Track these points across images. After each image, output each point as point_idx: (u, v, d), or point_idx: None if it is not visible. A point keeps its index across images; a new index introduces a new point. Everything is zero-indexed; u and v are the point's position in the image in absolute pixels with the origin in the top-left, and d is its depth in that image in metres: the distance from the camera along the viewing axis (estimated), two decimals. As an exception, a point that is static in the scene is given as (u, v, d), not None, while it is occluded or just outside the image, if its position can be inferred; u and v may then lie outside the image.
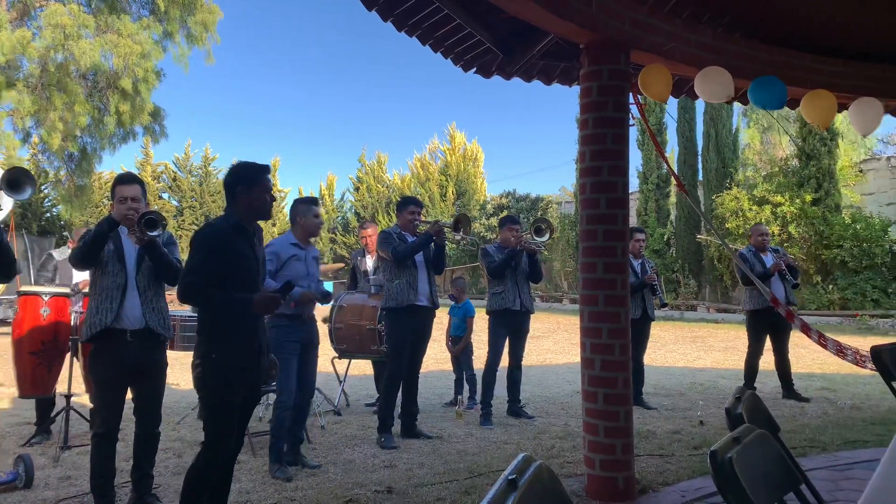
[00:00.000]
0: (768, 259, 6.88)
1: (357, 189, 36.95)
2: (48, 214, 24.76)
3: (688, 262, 21.51)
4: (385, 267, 5.37)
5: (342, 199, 38.24)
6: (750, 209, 18.58)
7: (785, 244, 17.11)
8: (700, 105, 21.47)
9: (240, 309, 2.98)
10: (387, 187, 35.95)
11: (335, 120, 62.11)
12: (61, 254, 5.69)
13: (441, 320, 7.21)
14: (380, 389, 6.64)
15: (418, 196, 32.57)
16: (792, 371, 6.91)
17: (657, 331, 13.30)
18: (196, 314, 5.55)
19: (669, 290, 21.11)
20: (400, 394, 5.31)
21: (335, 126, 62.72)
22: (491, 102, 66.50)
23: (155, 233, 3.39)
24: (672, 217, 22.95)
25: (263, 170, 3.18)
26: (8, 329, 4.94)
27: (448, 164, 34.83)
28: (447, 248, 5.63)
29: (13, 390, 5.37)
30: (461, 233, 5.55)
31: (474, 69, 4.80)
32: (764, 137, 26.40)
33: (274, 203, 3.29)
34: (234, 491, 3.82)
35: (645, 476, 4.04)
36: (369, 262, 6.49)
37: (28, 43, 15.70)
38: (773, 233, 17.06)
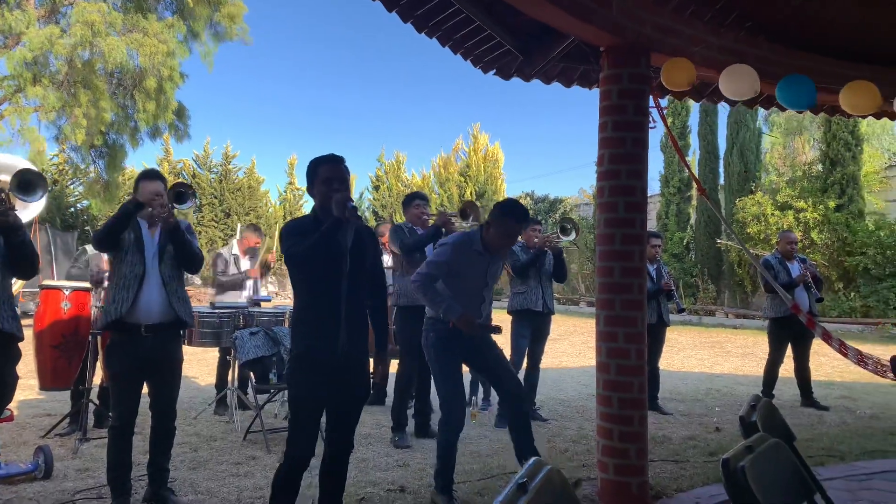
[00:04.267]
0: (794, 268, 6.73)
1: (377, 188, 37.09)
2: (72, 209, 25.03)
3: (707, 266, 21.33)
4: (396, 263, 5.43)
5: (361, 197, 38.39)
6: (772, 214, 18.38)
7: (807, 250, 16.89)
8: (723, 110, 21.29)
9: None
10: (406, 186, 36.01)
11: (353, 119, 62.20)
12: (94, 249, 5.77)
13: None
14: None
15: (437, 196, 32.66)
16: (811, 379, 6.83)
17: (674, 335, 13.20)
18: (221, 312, 5.64)
19: (688, 295, 20.93)
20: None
21: (354, 125, 62.88)
22: (512, 102, 66.39)
23: (186, 205, 3.38)
24: (692, 221, 22.77)
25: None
26: (30, 321, 5.00)
27: (469, 166, 34.85)
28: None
29: (33, 382, 5.45)
30: (471, 219, 5.50)
31: (493, 71, 4.78)
32: (787, 142, 26.09)
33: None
34: (248, 487, 3.86)
35: (659, 482, 4.01)
36: (387, 262, 6.51)
37: (56, 40, 15.87)
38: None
